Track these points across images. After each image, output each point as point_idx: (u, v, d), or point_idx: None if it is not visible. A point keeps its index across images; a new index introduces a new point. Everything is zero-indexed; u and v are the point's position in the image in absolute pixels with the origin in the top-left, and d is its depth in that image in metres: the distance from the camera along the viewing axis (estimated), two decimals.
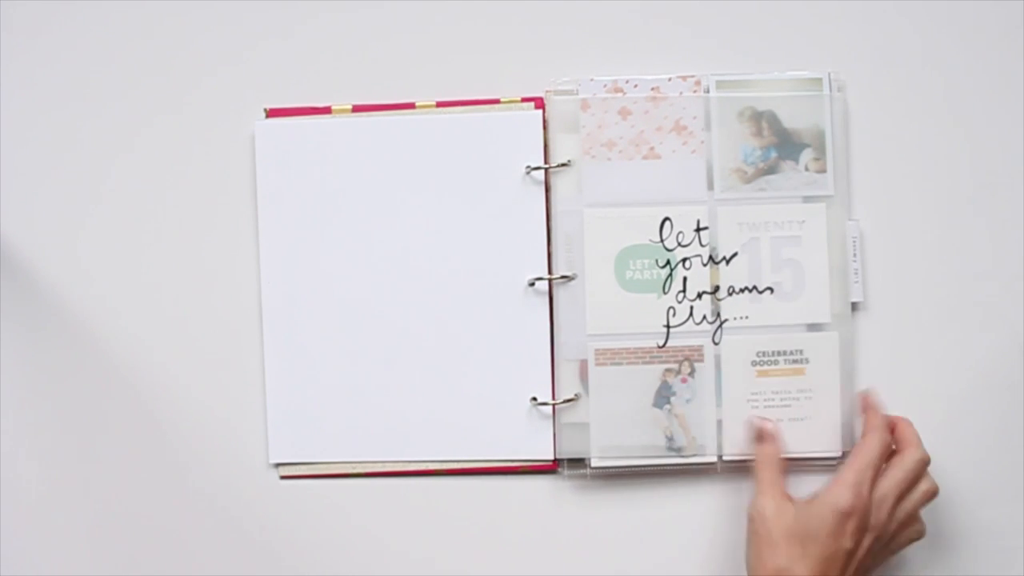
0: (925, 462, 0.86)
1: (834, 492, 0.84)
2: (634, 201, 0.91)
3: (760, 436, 0.90)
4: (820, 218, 0.91)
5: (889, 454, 0.87)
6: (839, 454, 0.91)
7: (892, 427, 0.89)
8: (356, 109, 0.92)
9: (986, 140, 0.93)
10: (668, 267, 0.91)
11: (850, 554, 0.83)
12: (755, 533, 0.86)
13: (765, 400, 0.91)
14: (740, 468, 0.91)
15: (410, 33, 0.93)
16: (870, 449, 0.86)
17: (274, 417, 0.92)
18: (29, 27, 0.93)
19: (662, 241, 0.91)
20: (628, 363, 0.91)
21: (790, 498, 0.87)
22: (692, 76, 0.92)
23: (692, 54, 0.93)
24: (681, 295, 0.91)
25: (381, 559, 0.93)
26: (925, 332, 0.92)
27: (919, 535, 0.88)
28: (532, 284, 0.92)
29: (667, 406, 0.91)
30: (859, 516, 0.84)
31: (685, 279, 0.91)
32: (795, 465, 0.90)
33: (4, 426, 0.93)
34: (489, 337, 0.92)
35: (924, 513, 0.88)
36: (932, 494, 0.87)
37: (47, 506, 0.93)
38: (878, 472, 0.86)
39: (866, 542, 0.84)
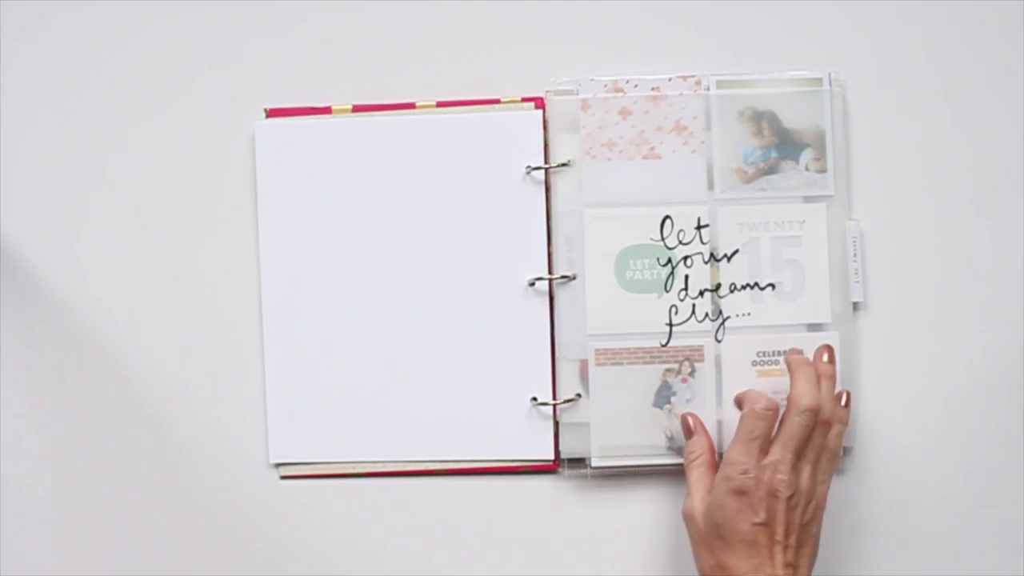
0: (808, 412, 0.85)
1: (725, 475, 0.84)
2: (634, 201, 0.92)
3: (688, 430, 0.90)
4: (820, 218, 0.91)
5: (766, 427, 0.86)
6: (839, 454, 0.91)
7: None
8: (356, 109, 0.92)
9: (986, 140, 0.93)
10: (669, 265, 0.91)
11: (767, 526, 0.83)
12: (690, 535, 0.87)
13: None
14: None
15: (410, 33, 0.93)
16: (741, 427, 0.85)
17: (274, 417, 0.92)
18: (28, 27, 0.93)
19: (663, 239, 0.91)
20: (628, 363, 0.91)
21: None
22: (692, 76, 0.92)
23: (692, 54, 0.93)
24: (683, 293, 0.91)
25: (381, 559, 0.92)
26: (925, 332, 0.92)
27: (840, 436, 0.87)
28: (532, 284, 0.92)
29: (667, 406, 0.91)
30: (753, 489, 0.83)
31: (687, 277, 0.91)
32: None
33: (4, 426, 0.93)
34: (489, 337, 0.92)
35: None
36: (830, 428, 0.86)
37: (47, 506, 0.93)
38: (762, 443, 0.85)
39: (780, 507, 0.83)
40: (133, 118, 0.93)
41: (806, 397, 0.85)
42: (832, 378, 0.88)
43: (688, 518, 0.87)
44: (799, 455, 0.84)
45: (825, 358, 0.88)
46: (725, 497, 0.84)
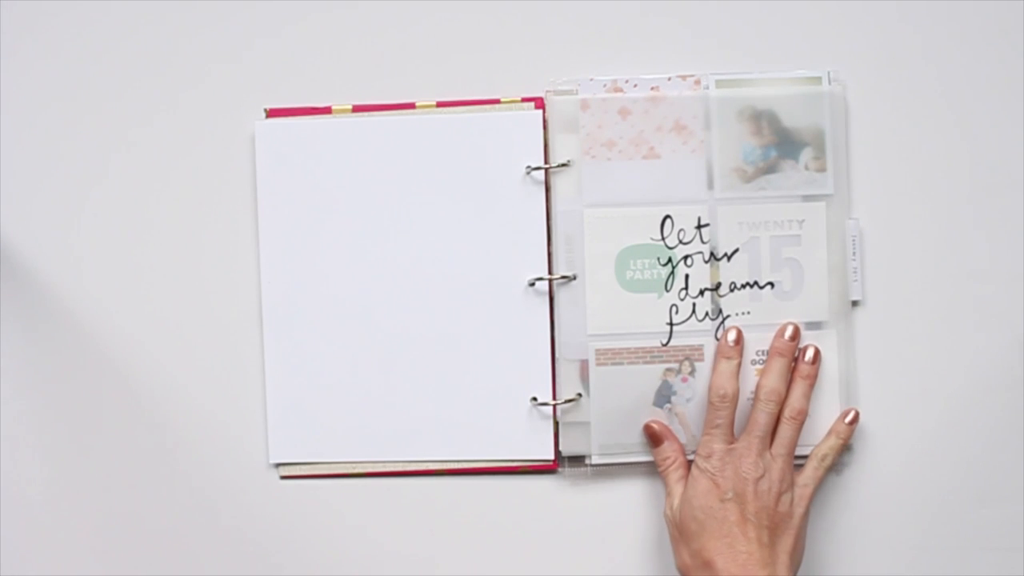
0: (767, 400, 0.88)
1: (695, 464, 0.88)
2: (634, 201, 0.92)
3: (654, 439, 0.91)
4: (820, 217, 0.91)
5: (727, 415, 0.89)
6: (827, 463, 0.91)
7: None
8: (356, 109, 0.92)
9: (986, 140, 0.93)
10: (669, 265, 0.91)
11: (737, 504, 0.85)
12: (670, 536, 0.88)
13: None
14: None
15: (410, 33, 0.93)
16: (707, 416, 0.88)
17: (274, 417, 0.92)
18: (28, 26, 0.93)
19: (663, 239, 0.91)
20: (629, 363, 0.91)
21: None
22: (692, 76, 0.92)
23: (692, 54, 0.93)
24: (683, 292, 0.91)
25: (381, 559, 0.92)
26: (924, 331, 0.92)
27: (834, 450, 0.90)
28: (532, 284, 0.92)
29: (668, 405, 0.91)
30: (720, 471, 0.86)
31: (687, 276, 0.91)
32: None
33: (4, 427, 0.93)
34: (489, 337, 0.92)
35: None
36: (795, 414, 0.88)
37: (47, 506, 0.93)
38: (723, 430, 0.87)
39: (748, 490, 0.85)
40: (133, 118, 0.93)
41: (768, 384, 0.88)
42: (809, 378, 0.90)
43: (668, 519, 0.88)
44: (766, 442, 0.87)
45: (807, 357, 0.90)
46: (696, 481, 0.87)
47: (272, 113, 0.93)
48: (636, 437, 0.91)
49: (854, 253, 0.92)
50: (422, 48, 0.93)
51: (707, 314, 0.91)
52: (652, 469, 0.92)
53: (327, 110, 0.93)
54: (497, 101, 0.92)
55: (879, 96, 0.93)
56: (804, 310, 0.91)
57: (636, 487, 0.92)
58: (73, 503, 0.93)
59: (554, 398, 0.92)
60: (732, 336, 0.90)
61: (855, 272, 0.92)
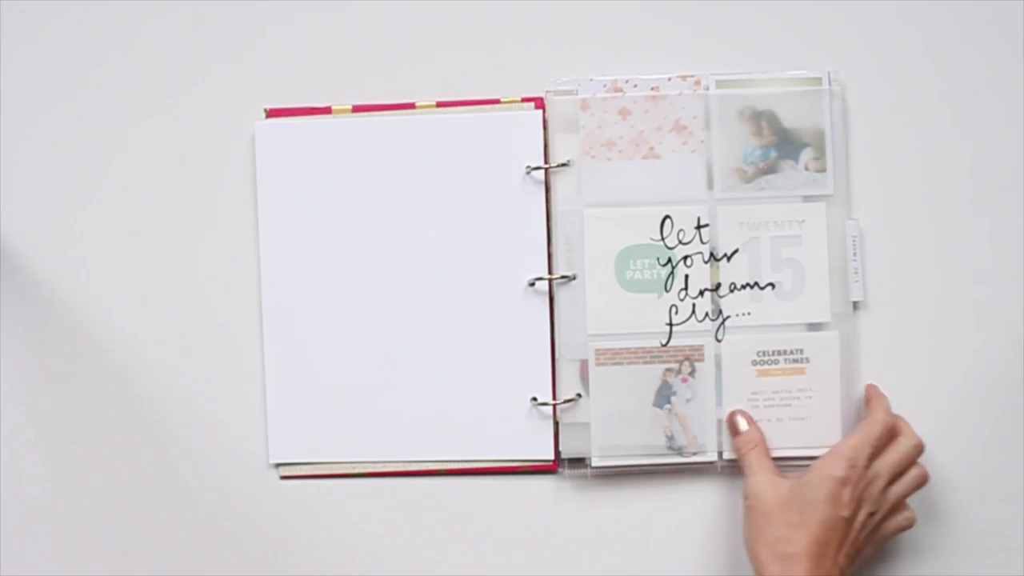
0: (919, 448, 0.88)
1: (830, 462, 0.86)
2: (634, 201, 0.92)
3: (735, 429, 0.91)
4: (820, 217, 0.91)
5: (886, 441, 0.88)
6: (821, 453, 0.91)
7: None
8: (356, 109, 0.92)
9: (986, 140, 0.93)
10: (669, 265, 0.91)
11: (847, 523, 0.85)
12: (751, 509, 0.87)
13: (765, 399, 0.91)
14: (740, 468, 0.91)
15: (410, 33, 0.93)
16: (871, 428, 0.87)
17: (274, 417, 0.92)
18: (28, 26, 0.93)
19: (663, 239, 0.91)
20: (628, 363, 0.91)
21: (782, 475, 0.88)
22: (692, 76, 0.92)
23: (692, 54, 0.93)
24: (683, 292, 0.91)
25: (381, 559, 0.92)
26: (925, 331, 0.92)
27: (909, 523, 0.88)
28: (532, 284, 0.92)
29: (667, 406, 0.91)
30: (853, 486, 0.85)
31: (687, 276, 0.91)
32: (796, 464, 0.90)
33: (4, 427, 0.93)
34: (489, 337, 0.92)
35: (923, 509, 0.89)
36: (923, 480, 0.88)
37: (47, 506, 0.93)
38: (876, 452, 0.87)
39: (861, 515, 0.85)
40: (133, 118, 0.93)
41: (919, 438, 0.88)
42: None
43: (752, 495, 0.87)
44: (891, 481, 0.87)
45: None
46: (824, 480, 0.85)
47: (272, 113, 0.93)
48: (636, 439, 0.91)
49: (855, 253, 0.92)
50: (422, 48, 0.93)
51: (707, 314, 0.91)
52: (652, 470, 0.92)
53: (327, 110, 0.93)
54: (497, 101, 0.92)
55: (879, 96, 0.93)
56: (805, 311, 0.91)
57: (636, 488, 0.92)
58: (73, 503, 0.93)
59: (554, 398, 0.92)
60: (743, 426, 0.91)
61: (856, 273, 0.92)
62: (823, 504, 0.84)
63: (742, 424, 0.91)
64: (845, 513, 0.84)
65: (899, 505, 0.88)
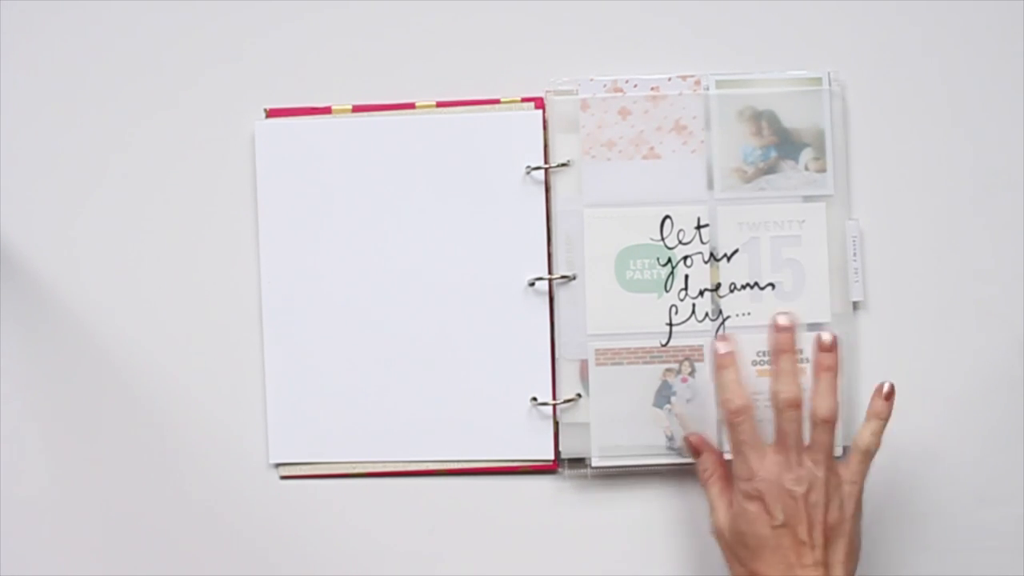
0: (788, 408, 0.83)
1: (736, 489, 0.84)
2: (634, 201, 0.92)
3: (693, 450, 0.89)
4: (820, 217, 0.91)
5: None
6: (839, 453, 0.91)
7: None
8: (356, 109, 0.92)
9: (986, 140, 0.93)
10: (669, 265, 0.91)
11: (787, 525, 0.82)
12: (721, 551, 0.86)
13: (766, 400, 0.91)
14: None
15: (410, 33, 0.93)
16: (728, 436, 0.85)
17: (274, 417, 0.92)
18: (27, 26, 0.93)
19: (663, 239, 0.91)
20: (628, 363, 0.91)
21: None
22: (692, 76, 0.92)
23: (692, 54, 0.93)
24: (683, 293, 0.91)
25: (381, 559, 0.92)
26: (925, 332, 0.92)
27: (873, 437, 0.85)
28: (532, 284, 0.92)
29: (668, 406, 0.91)
30: (766, 491, 0.82)
31: (687, 277, 0.91)
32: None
33: (4, 426, 0.93)
34: (489, 337, 0.92)
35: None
36: (829, 419, 0.83)
37: (47, 505, 0.93)
38: (754, 437, 0.84)
39: (799, 506, 0.82)
40: (133, 118, 0.93)
41: (783, 391, 0.84)
42: (830, 369, 0.85)
43: (717, 534, 0.86)
44: (801, 449, 0.83)
45: (824, 344, 0.85)
46: (742, 505, 0.83)
47: (272, 113, 0.93)
48: (636, 439, 0.91)
49: (855, 254, 0.92)
50: (422, 48, 0.93)
51: (707, 315, 0.91)
52: (652, 470, 0.92)
53: (327, 110, 0.93)
54: (497, 101, 0.92)
55: (879, 96, 0.93)
56: (805, 311, 0.91)
57: (636, 488, 0.92)
58: (73, 503, 0.93)
59: (554, 398, 0.92)
60: (722, 346, 0.86)
61: (856, 273, 0.92)
62: (755, 526, 0.82)
63: (698, 448, 0.89)
64: (778, 520, 0.82)
65: (849, 457, 0.84)
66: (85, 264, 0.93)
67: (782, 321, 0.86)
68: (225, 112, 0.93)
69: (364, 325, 0.92)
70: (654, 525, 0.92)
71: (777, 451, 0.84)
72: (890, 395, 0.86)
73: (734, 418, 0.84)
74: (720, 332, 0.89)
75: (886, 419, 0.85)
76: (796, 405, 0.83)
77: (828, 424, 0.84)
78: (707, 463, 0.88)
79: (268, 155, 0.92)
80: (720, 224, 0.91)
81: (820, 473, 0.83)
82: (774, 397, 0.84)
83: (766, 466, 0.83)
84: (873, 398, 0.86)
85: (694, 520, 0.92)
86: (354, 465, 0.92)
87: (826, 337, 0.86)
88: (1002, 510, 0.92)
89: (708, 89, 0.91)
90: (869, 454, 0.85)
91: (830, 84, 0.92)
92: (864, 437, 0.85)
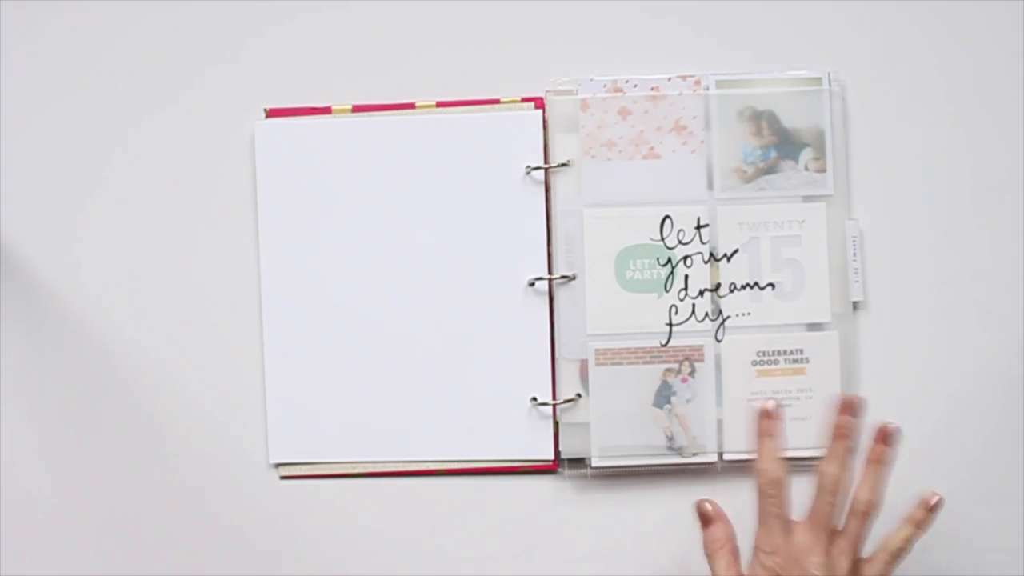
0: (833, 484, 0.82)
1: (754, 561, 0.83)
2: (634, 201, 0.92)
3: (704, 520, 0.87)
4: (820, 217, 0.91)
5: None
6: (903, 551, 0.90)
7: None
8: (356, 109, 0.92)
9: (986, 140, 0.93)
10: (669, 265, 0.91)
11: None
12: None
13: (763, 397, 0.91)
14: (740, 468, 0.91)
15: (410, 33, 0.93)
16: (758, 506, 0.83)
17: (274, 417, 0.92)
18: (28, 27, 0.93)
19: (663, 239, 0.91)
20: (628, 363, 0.91)
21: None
22: (692, 76, 0.92)
23: (692, 54, 0.93)
24: (683, 293, 0.91)
25: (381, 559, 0.92)
26: (925, 331, 0.92)
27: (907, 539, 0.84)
28: (532, 284, 0.92)
29: (667, 406, 0.91)
30: (786, 569, 0.81)
31: (687, 277, 0.91)
32: (796, 465, 0.90)
33: (4, 426, 0.93)
34: (489, 337, 0.92)
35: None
36: (868, 511, 0.82)
37: (47, 506, 0.93)
38: (784, 510, 0.83)
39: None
40: (132, 118, 0.93)
41: (830, 472, 0.82)
42: (883, 464, 0.84)
43: None
44: (832, 535, 0.82)
45: (884, 437, 0.84)
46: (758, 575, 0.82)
47: (272, 113, 0.93)
48: (636, 439, 0.91)
49: (854, 253, 0.92)
50: (422, 48, 0.93)
51: (707, 315, 0.91)
52: (652, 470, 0.92)
53: (327, 110, 0.93)
54: (497, 101, 0.92)
55: (879, 96, 0.93)
56: (805, 311, 0.91)
57: (636, 488, 0.92)
58: (73, 503, 0.93)
59: (554, 398, 0.92)
60: (768, 415, 0.84)
61: (856, 273, 0.92)
62: None
63: (710, 517, 0.87)
64: None
65: (858, 543, 0.82)
66: (85, 264, 0.93)
67: (851, 403, 0.84)
68: (225, 112, 0.93)
69: (364, 325, 0.92)
70: (654, 525, 0.92)
71: (807, 530, 0.82)
72: (935, 508, 0.84)
73: (768, 489, 0.83)
74: (766, 399, 0.86)
75: (924, 531, 0.84)
76: (838, 491, 0.82)
77: (867, 516, 0.82)
78: (718, 534, 0.86)
79: (268, 155, 0.92)
80: (720, 224, 0.91)
81: (845, 564, 0.81)
82: (821, 476, 0.83)
83: (793, 543, 0.82)
84: (918, 506, 0.84)
85: (694, 520, 0.92)
86: (354, 465, 0.93)
87: (890, 428, 0.84)
88: (1002, 510, 0.92)
89: (708, 89, 0.92)
90: (897, 558, 0.83)
91: (830, 84, 0.92)
92: (896, 541, 0.83)
